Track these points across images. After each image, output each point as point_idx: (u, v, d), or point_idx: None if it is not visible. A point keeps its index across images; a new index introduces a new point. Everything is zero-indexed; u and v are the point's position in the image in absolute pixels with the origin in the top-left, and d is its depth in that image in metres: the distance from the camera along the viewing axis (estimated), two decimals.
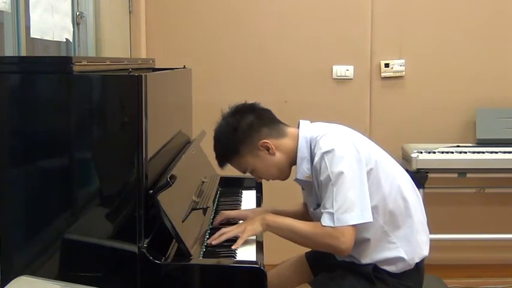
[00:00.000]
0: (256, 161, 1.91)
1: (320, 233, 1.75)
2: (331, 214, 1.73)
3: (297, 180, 1.93)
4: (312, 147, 1.86)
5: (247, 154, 1.91)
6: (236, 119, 1.93)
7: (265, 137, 1.90)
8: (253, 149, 1.90)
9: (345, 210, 1.72)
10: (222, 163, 1.96)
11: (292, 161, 1.93)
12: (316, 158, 1.80)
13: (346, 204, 1.72)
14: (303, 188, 2.02)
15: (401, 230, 1.85)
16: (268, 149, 1.90)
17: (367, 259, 1.86)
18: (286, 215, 2.05)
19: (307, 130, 1.91)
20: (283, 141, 1.92)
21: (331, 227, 1.72)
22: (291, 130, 1.95)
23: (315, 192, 1.87)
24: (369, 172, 1.80)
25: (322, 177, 1.77)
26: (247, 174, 2.58)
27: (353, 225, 1.73)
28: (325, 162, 1.77)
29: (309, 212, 1.97)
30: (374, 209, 1.78)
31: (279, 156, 1.91)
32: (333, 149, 1.77)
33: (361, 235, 1.81)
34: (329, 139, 1.82)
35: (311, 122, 1.98)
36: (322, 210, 1.77)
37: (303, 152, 1.89)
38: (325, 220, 1.74)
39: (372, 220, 1.75)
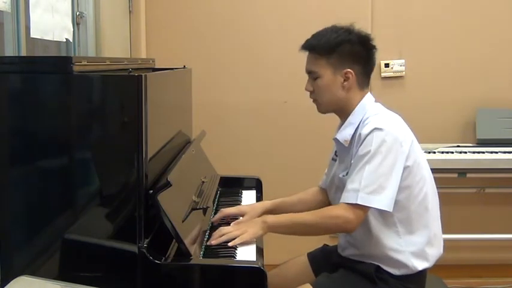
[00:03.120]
0: (328, 76, 1.89)
1: (328, 215, 1.79)
2: (356, 191, 1.74)
3: (335, 139, 1.94)
4: (364, 118, 1.86)
5: (330, 64, 1.88)
6: (358, 38, 1.90)
7: (354, 73, 1.88)
8: (337, 67, 1.88)
9: (371, 191, 1.73)
10: (308, 46, 1.93)
11: (341, 111, 1.92)
12: (366, 130, 1.80)
13: (374, 185, 1.74)
14: (333, 159, 2.02)
15: (413, 237, 1.85)
16: (346, 80, 1.88)
17: (371, 251, 1.86)
18: (289, 206, 2.08)
19: (369, 103, 1.91)
20: (356, 92, 1.91)
21: (347, 203, 1.74)
22: (365, 92, 1.94)
23: (348, 159, 1.87)
24: (405, 168, 1.80)
25: (362, 151, 1.78)
26: (247, 174, 2.61)
27: (369, 207, 1.74)
28: (373, 138, 1.77)
29: (335, 179, 1.94)
30: (396, 203, 1.79)
31: (343, 94, 1.90)
32: (384, 130, 1.78)
33: (371, 224, 1.83)
34: (384, 120, 1.82)
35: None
36: (347, 186, 1.78)
37: (355, 117, 1.89)
38: (348, 197, 1.75)
39: (391, 211, 1.76)
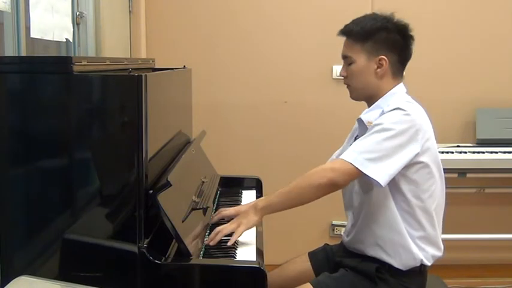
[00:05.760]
0: (362, 62, 1.89)
1: (315, 171, 1.79)
2: (356, 153, 1.75)
3: (358, 120, 1.94)
4: (391, 103, 1.85)
5: (365, 50, 1.89)
6: (396, 27, 1.91)
7: (388, 60, 1.88)
8: (372, 53, 1.88)
9: (370, 158, 1.73)
10: (345, 31, 1.93)
11: (372, 98, 1.92)
12: (389, 108, 1.81)
13: (375, 155, 1.74)
14: (351, 143, 2.00)
15: (412, 230, 1.85)
16: (379, 67, 1.89)
17: (376, 233, 1.86)
18: None
19: (400, 92, 1.91)
20: (389, 80, 1.91)
21: (342, 159, 1.75)
22: (397, 81, 1.93)
23: None
24: (419, 163, 1.80)
25: (378, 121, 1.79)
26: (247, 174, 2.61)
27: (361, 172, 1.74)
28: (392, 114, 1.78)
29: None
30: (402, 193, 1.80)
31: (375, 81, 1.90)
32: (406, 111, 1.78)
33: (381, 201, 1.84)
34: (410, 106, 1.82)
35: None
36: (351, 146, 1.79)
37: (383, 102, 1.88)
38: (346, 155, 1.76)
39: (383, 186, 1.75)
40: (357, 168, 1.74)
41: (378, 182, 1.74)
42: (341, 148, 2.13)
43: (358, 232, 1.94)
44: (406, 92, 1.94)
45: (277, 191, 1.87)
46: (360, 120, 1.92)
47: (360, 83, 1.92)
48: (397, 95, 1.90)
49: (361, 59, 1.89)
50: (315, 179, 1.78)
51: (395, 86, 1.92)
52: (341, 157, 1.79)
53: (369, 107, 1.95)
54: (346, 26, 1.95)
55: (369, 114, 1.90)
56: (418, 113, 1.84)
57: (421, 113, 1.85)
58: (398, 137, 1.76)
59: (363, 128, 1.91)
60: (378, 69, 1.89)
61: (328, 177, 1.76)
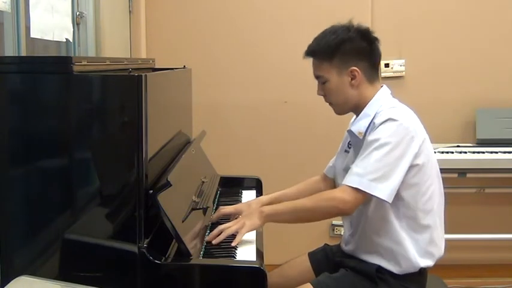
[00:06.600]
0: (334, 78, 1.88)
1: (325, 198, 1.79)
2: (359, 176, 1.74)
3: (349, 132, 1.93)
4: (379, 110, 1.85)
5: (334, 66, 1.88)
6: (358, 34, 1.89)
7: (360, 69, 1.88)
8: (342, 67, 1.87)
9: (374, 178, 1.73)
10: (310, 52, 1.92)
11: (357, 109, 1.91)
12: (380, 119, 1.80)
13: (378, 174, 1.73)
14: (346, 150, 2.01)
15: (417, 235, 1.84)
16: (353, 78, 1.87)
17: (375, 243, 1.86)
18: (287, 199, 2.07)
19: (385, 96, 1.91)
20: (367, 86, 1.90)
21: (348, 186, 1.74)
22: (377, 85, 1.93)
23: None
24: (415, 166, 1.80)
25: (372, 137, 1.78)
26: (247, 174, 2.61)
27: (368, 194, 1.73)
28: (386, 127, 1.77)
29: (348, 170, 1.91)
30: (402, 199, 1.80)
31: (353, 92, 1.89)
32: (398, 121, 1.78)
33: (379, 214, 1.83)
34: (399, 113, 1.82)
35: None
36: (352, 169, 1.77)
37: (370, 109, 1.88)
38: (350, 180, 1.75)
39: (390, 202, 1.75)
40: (364, 192, 1.74)
41: (386, 201, 1.75)
42: (335, 157, 2.13)
43: (357, 242, 1.93)
44: (391, 94, 1.94)
45: (286, 203, 1.90)
46: (351, 132, 1.92)
47: (340, 99, 1.91)
48: (381, 100, 1.89)
49: (333, 76, 1.89)
50: (326, 208, 1.79)
51: (377, 91, 1.91)
52: (346, 183, 1.76)
53: (357, 116, 1.94)
54: (309, 46, 1.93)
55: (358, 125, 1.89)
56: (409, 118, 1.83)
57: (411, 118, 1.85)
58: (396, 149, 1.75)
59: (355, 139, 1.91)
60: (353, 81, 1.88)
61: (339, 209, 1.77)
